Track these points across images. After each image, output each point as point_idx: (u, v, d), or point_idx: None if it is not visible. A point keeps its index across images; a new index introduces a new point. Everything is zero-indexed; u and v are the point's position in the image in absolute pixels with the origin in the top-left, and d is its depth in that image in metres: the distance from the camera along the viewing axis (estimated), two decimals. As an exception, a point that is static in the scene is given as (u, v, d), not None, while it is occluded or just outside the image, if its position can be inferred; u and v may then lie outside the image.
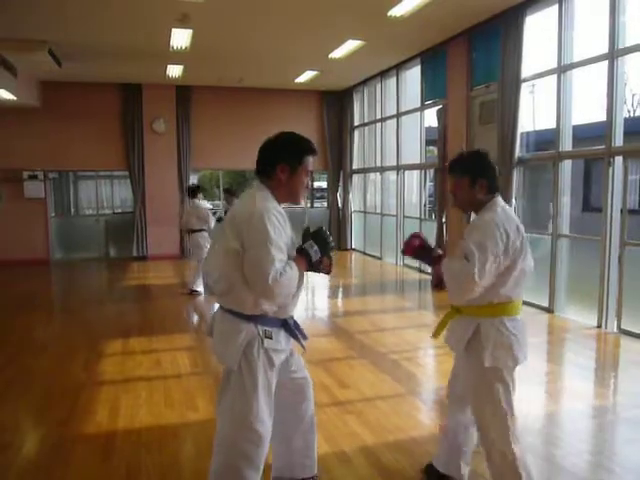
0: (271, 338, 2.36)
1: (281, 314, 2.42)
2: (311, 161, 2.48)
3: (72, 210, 13.59)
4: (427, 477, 2.99)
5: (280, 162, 2.41)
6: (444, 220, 8.87)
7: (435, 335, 2.84)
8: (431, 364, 5.44)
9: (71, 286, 10.08)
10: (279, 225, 2.28)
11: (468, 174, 2.60)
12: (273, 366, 2.38)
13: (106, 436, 3.55)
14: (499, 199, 2.61)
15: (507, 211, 2.58)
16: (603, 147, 6.00)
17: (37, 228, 11.74)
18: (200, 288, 8.10)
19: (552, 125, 6.77)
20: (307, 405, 2.70)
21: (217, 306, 2.50)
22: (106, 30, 7.86)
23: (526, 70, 6.92)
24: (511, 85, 6.97)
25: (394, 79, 10.67)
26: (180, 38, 8.01)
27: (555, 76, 6.62)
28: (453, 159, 2.74)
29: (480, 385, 2.59)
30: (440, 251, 2.76)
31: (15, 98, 9.90)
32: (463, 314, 2.65)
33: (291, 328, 2.49)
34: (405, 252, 2.77)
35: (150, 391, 4.30)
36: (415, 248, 2.72)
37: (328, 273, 2.60)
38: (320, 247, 2.42)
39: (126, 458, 3.27)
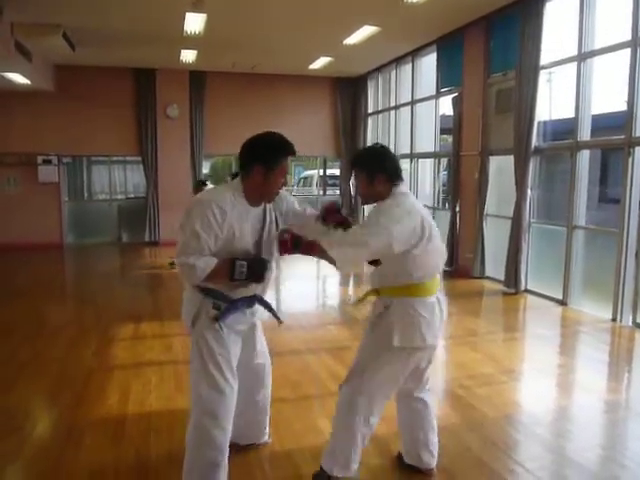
0: (218, 309, 2.57)
1: (233, 294, 2.62)
2: (288, 162, 2.61)
3: (85, 195, 13.63)
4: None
5: (256, 163, 2.53)
6: (457, 209, 8.79)
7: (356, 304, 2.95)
8: (442, 354, 5.38)
9: (84, 270, 10.14)
10: (213, 219, 2.43)
11: (365, 170, 2.67)
12: (221, 335, 2.59)
13: (116, 420, 3.57)
14: (400, 188, 2.65)
15: (407, 196, 2.64)
16: (623, 137, 5.88)
17: (51, 212, 11.80)
18: None
19: (570, 114, 6.66)
20: (264, 393, 3.04)
21: None
22: (120, 14, 7.82)
23: (545, 58, 6.80)
24: (529, 73, 6.85)
25: (409, 66, 10.54)
26: (194, 23, 7.95)
27: (575, 64, 6.49)
28: (353, 155, 2.91)
29: (383, 360, 2.65)
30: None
31: (30, 82, 9.91)
32: (380, 295, 2.75)
33: (250, 306, 2.72)
34: (281, 252, 2.67)
35: (161, 376, 4.31)
36: (290, 245, 2.60)
37: (259, 281, 2.67)
38: (249, 270, 2.52)
39: (136, 442, 3.29)
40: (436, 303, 2.68)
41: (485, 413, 3.70)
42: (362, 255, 2.55)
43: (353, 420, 2.69)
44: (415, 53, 10.17)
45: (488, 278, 8.13)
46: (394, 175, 2.66)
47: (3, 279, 8.90)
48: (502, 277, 7.51)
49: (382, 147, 2.78)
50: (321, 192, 14.88)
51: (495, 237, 8.09)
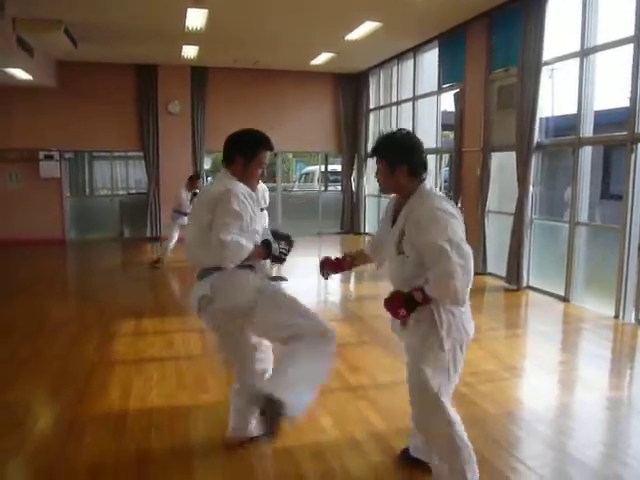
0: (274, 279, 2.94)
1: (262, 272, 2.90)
2: (266, 155, 2.92)
3: (87, 190, 13.65)
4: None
5: (237, 154, 2.88)
6: (459, 205, 8.77)
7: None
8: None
9: (85, 266, 10.15)
10: (244, 201, 2.71)
11: (386, 159, 2.54)
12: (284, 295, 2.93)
13: (118, 416, 3.57)
14: (423, 185, 2.52)
15: (440, 195, 2.56)
16: (626, 133, 5.86)
17: (52, 208, 11.80)
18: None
19: (572, 110, 6.64)
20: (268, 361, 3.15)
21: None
22: (122, 10, 7.80)
23: (547, 54, 6.77)
24: (531, 69, 6.82)
25: (411, 62, 10.51)
26: (195, 18, 7.94)
27: (577, 60, 6.47)
28: (376, 140, 2.64)
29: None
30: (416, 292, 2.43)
31: (32, 78, 9.90)
32: None
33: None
34: (399, 316, 2.49)
35: (162, 372, 4.31)
36: (402, 308, 2.43)
37: (282, 263, 2.96)
38: (283, 249, 2.88)
39: (137, 438, 3.29)
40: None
41: (487, 410, 3.70)
42: (467, 278, 2.35)
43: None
44: (417, 49, 10.14)
45: (490, 274, 8.12)
46: (419, 167, 2.52)
47: (5, 275, 8.90)
48: (504, 273, 7.50)
49: (408, 134, 2.61)
50: (322, 188, 14.88)
51: (497, 233, 8.08)
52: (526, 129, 6.93)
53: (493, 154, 7.99)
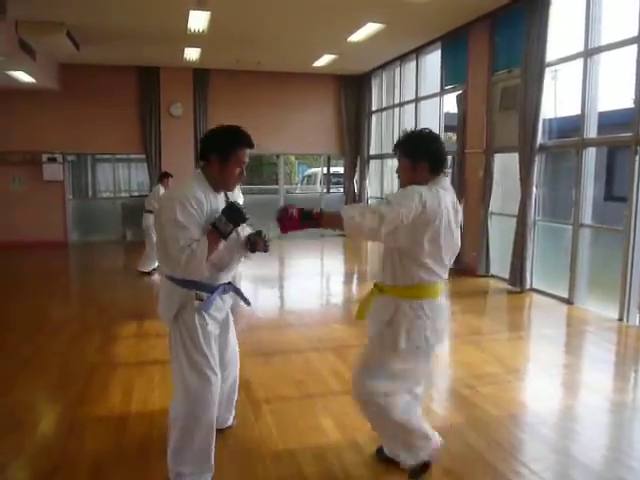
0: (202, 300, 2.69)
1: (214, 281, 2.74)
2: (245, 153, 2.72)
3: (90, 193, 13.66)
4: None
5: (212, 153, 2.68)
6: (462, 207, 8.73)
7: (358, 317, 2.81)
8: (446, 353, 5.36)
9: (88, 268, 10.14)
10: (192, 209, 2.53)
11: (409, 157, 2.59)
12: (206, 323, 2.72)
13: (119, 418, 3.56)
14: (438, 180, 2.57)
15: (440, 191, 2.53)
16: (630, 134, 5.82)
17: (55, 210, 11.82)
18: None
19: (576, 111, 6.61)
20: (231, 371, 3.16)
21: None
22: (124, 12, 7.80)
23: (550, 54, 6.75)
24: (534, 70, 6.79)
25: (413, 63, 10.50)
26: (198, 20, 7.93)
27: (581, 60, 6.44)
28: (399, 139, 2.69)
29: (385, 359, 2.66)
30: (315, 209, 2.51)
31: (34, 81, 9.92)
32: (385, 294, 2.67)
33: (226, 292, 2.85)
34: (287, 229, 2.48)
35: (163, 374, 4.27)
36: (296, 219, 2.47)
37: (265, 251, 2.88)
38: (228, 218, 2.58)
39: (138, 440, 3.28)
40: (443, 304, 2.70)
41: (490, 413, 3.67)
42: (375, 225, 2.38)
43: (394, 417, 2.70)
44: (419, 50, 10.12)
45: (493, 276, 8.09)
46: (438, 165, 2.57)
47: (8, 276, 8.90)
48: (507, 275, 7.47)
49: (430, 132, 2.66)
50: (325, 190, 14.87)
51: (500, 235, 8.05)
52: (529, 130, 6.90)
53: (496, 156, 7.96)
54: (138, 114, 11.89)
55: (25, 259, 10.35)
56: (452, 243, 2.62)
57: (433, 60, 9.92)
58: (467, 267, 8.48)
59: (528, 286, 7.23)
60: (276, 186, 13.05)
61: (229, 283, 2.88)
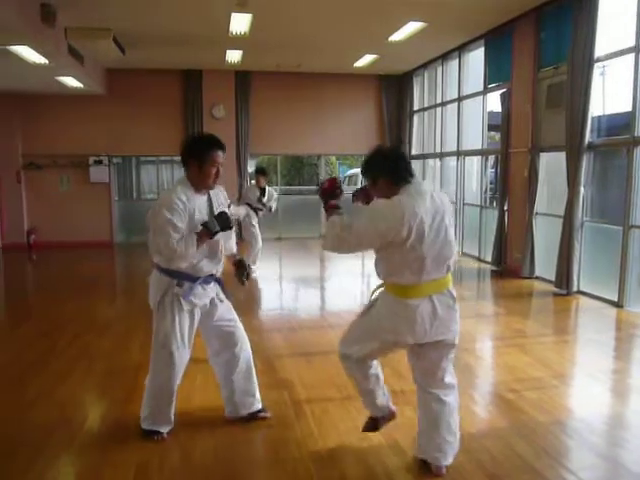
0: (181, 287, 3.14)
1: (195, 272, 3.17)
2: (218, 155, 3.14)
3: (134, 194, 13.96)
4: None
5: (190, 159, 3.13)
6: (506, 208, 8.58)
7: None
8: (489, 356, 5.27)
9: (132, 268, 10.37)
10: (176, 209, 3.01)
11: (370, 176, 2.83)
12: (181, 309, 3.18)
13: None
14: (405, 188, 2.70)
15: (411, 197, 2.65)
16: (683, 132, 5.60)
17: (101, 211, 12.15)
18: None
19: (626, 108, 6.39)
20: (239, 349, 3.42)
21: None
22: (167, 17, 7.95)
23: (599, 49, 6.55)
24: (582, 66, 6.60)
25: (456, 62, 10.36)
26: (239, 23, 8.02)
27: (632, 55, 6.22)
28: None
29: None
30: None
31: (82, 86, 10.22)
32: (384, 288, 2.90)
33: (208, 283, 3.26)
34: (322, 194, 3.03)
35: (206, 375, 4.29)
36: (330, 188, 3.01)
37: (212, 237, 3.16)
38: (218, 222, 3.09)
39: (181, 440, 3.32)
40: (421, 306, 2.71)
41: (535, 418, 3.58)
42: (343, 244, 2.74)
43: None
44: (462, 48, 9.98)
45: (538, 278, 7.90)
46: (396, 178, 2.73)
47: (56, 276, 9.19)
48: (553, 277, 7.28)
49: (383, 150, 2.89)
50: (366, 191, 14.79)
51: (545, 236, 7.86)
52: (577, 128, 6.71)
53: (542, 154, 7.78)
54: (181, 116, 12.10)
55: (72, 259, 10.66)
56: (437, 245, 2.69)
57: (476, 58, 9.77)
58: (511, 269, 8.32)
59: (575, 288, 7.03)
60: (317, 187, 13.02)
61: (211, 275, 3.28)
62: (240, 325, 3.50)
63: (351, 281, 8.72)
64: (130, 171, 13.84)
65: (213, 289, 3.34)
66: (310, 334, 5.42)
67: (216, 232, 3.10)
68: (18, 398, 3.98)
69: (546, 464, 3.03)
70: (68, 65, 8.64)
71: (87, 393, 4.18)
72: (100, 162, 11.92)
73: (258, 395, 3.55)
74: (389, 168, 2.74)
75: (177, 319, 3.19)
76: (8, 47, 7.15)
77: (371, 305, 2.99)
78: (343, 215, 2.83)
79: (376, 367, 3.10)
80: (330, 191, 2.98)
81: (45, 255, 10.89)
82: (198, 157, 3.11)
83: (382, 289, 2.91)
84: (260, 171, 8.83)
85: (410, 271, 2.68)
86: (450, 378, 2.93)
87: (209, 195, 3.26)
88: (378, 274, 2.86)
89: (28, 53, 7.48)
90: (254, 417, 3.51)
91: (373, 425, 3.20)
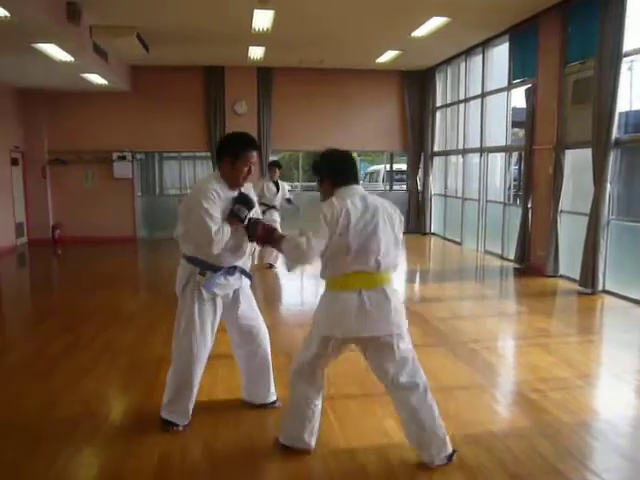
0: (204, 275, 3.22)
1: (219, 262, 3.23)
2: (252, 154, 3.22)
3: (157, 190, 14.09)
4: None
5: (224, 156, 3.22)
6: (530, 205, 8.47)
7: None
8: (512, 355, 5.22)
9: (155, 263, 10.48)
10: (212, 198, 3.10)
11: (317, 174, 2.99)
12: (203, 299, 3.25)
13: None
14: (340, 191, 2.84)
15: (341, 197, 2.80)
16: None
17: (125, 207, 12.30)
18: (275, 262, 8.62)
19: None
20: (257, 346, 3.53)
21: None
22: (190, 14, 8.00)
23: (627, 44, 6.42)
24: (610, 61, 6.48)
25: (480, 57, 10.25)
26: (262, 19, 8.04)
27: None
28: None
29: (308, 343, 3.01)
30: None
31: (107, 83, 10.34)
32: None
33: (231, 274, 3.30)
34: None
35: (228, 369, 4.32)
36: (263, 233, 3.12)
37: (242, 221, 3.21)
38: (243, 204, 3.18)
39: (204, 433, 3.34)
40: (349, 300, 2.78)
41: (559, 419, 3.53)
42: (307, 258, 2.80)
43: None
44: (486, 44, 9.88)
45: (562, 277, 7.80)
46: (337, 179, 2.89)
47: (81, 271, 9.33)
48: (577, 276, 7.18)
49: (335, 151, 2.99)
50: (387, 187, 14.76)
51: (570, 234, 7.75)
52: (604, 124, 6.59)
53: (567, 151, 7.66)
54: (204, 112, 12.17)
55: (96, 254, 10.81)
56: (364, 236, 2.78)
57: (500, 53, 9.66)
58: (534, 267, 8.23)
59: (600, 287, 6.92)
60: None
61: (234, 267, 3.31)
62: (261, 322, 3.56)
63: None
64: (153, 167, 13.98)
65: (237, 281, 3.38)
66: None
67: (245, 216, 3.18)
68: (43, 391, 4.05)
69: (570, 465, 2.99)
70: (93, 62, 8.76)
71: (111, 386, 4.23)
72: (123, 158, 12.06)
73: (273, 389, 3.67)
74: (333, 170, 2.91)
75: (197, 308, 3.25)
76: (35, 45, 7.26)
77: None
78: (287, 236, 2.94)
79: (319, 401, 3.10)
80: (267, 236, 3.10)
81: (69, 250, 11.06)
82: (232, 154, 3.19)
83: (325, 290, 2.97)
84: (276, 164, 8.85)
85: (339, 261, 2.79)
86: (407, 378, 2.90)
87: (240, 192, 3.30)
88: (320, 275, 2.95)
89: (54, 51, 7.59)
90: (265, 406, 3.66)
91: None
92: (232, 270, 3.31)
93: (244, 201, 3.21)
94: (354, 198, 2.82)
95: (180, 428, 3.35)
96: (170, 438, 3.28)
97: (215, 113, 12.08)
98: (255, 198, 3.41)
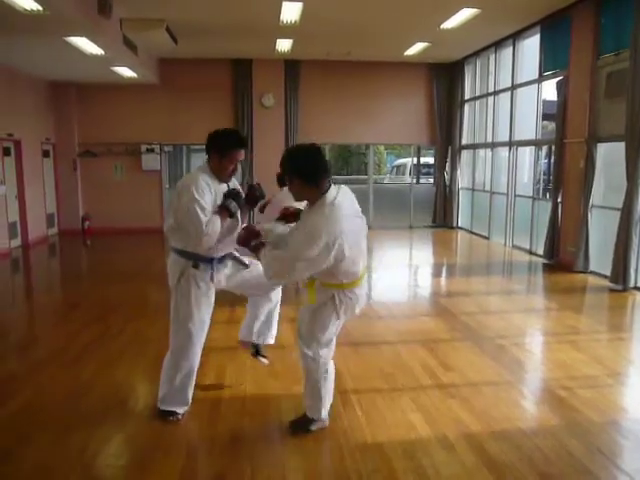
0: (197, 268, 3.30)
1: (210, 254, 3.31)
2: (239, 152, 3.29)
3: (185, 182, 14.20)
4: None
5: (212, 150, 3.29)
6: (559, 200, 8.33)
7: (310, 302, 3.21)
8: (540, 351, 5.15)
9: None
10: (202, 191, 3.16)
11: (285, 171, 2.89)
12: (199, 288, 3.33)
13: (212, 402, 3.68)
14: (327, 197, 2.81)
15: (332, 209, 2.78)
16: None
17: (153, 199, 12.43)
18: None
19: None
20: (267, 295, 3.71)
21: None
22: (219, 6, 8.02)
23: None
24: (645, 52, 6.32)
25: (510, 49, 10.09)
26: (290, 12, 8.02)
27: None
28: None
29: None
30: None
31: (136, 75, 10.44)
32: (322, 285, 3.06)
33: (223, 264, 3.43)
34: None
35: (256, 360, 4.38)
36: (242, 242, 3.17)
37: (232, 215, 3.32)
38: (233, 199, 3.28)
39: (230, 423, 3.38)
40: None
41: (589, 417, 3.47)
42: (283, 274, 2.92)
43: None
44: (517, 35, 9.71)
45: (592, 273, 7.66)
46: (309, 178, 2.81)
47: (110, 261, 9.47)
48: (608, 272, 7.04)
49: (299, 148, 2.97)
50: (414, 181, 14.66)
51: (601, 229, 7.60)
52: (638, 118, 6.44)
53: (599, 145, 7.50)
54: (231, 105, 12.22)
55: (124, 245, 10.97)
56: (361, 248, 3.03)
57: (531, 45, 9.48)
58: (564, 262, 8.11)
59: (632, 284, 6.78)
60: (365, 176, 12.99)
61: (224, 256, 3.42)
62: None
63: (400, 272, 8.66)
64: (181, 159, 14.13)
65: (227, 267, 3.50)
66: (359, 324, 5.38)
67: (235, 211, 3.28)
68: (74, 380, 4.13)
69: (600, 464, 2.95)
70: (123, 55, 8.85)
71: (139, 376, 4.29)
72: (152, 150, 12.19)
73: (274, 332, 3.92)
74: (304, 167, 2.82)
75: (194, 299, 3.34)
76: (67, 39, 7.36)
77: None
78: (267, 250, 2.98)
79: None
80: (247, 242, 3.11)
81: (98, 241, 11.23)
82: (219, 150, 3.27)
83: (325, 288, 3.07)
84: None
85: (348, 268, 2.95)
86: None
87: (230, 187, 3.41)
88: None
89: (85, 44, 7.68)
90: (257, 354, 3.96)
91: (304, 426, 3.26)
92: (223, 259, 3.43)
93: (234, 196, 3.30)
94: (341, 209, 2.83)
95: (180, 416, 3.44)
96: (198, 431, 3.33)
97: (243, 106, 12.12)
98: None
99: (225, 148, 3.27)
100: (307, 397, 3.25)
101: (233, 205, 3.26)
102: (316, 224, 2.77)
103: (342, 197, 2.86)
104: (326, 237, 2.72)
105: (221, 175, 3.32)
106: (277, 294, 3.81)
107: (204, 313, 3.42)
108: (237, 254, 3.56)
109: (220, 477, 2.86)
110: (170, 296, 3.44)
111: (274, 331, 3.93)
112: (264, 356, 4.00)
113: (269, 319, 3.87)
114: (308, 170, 2.82)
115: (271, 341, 3.94)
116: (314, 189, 2.83)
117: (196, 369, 3.48)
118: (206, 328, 3.47)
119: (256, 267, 3.49)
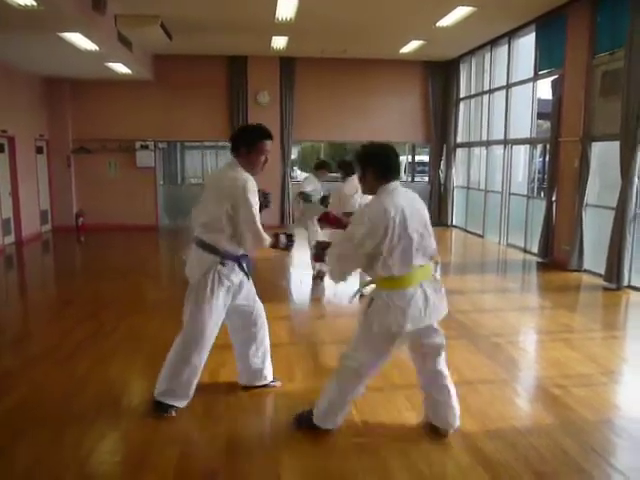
0: (224, 266, 3.33)
1: (236, 252, 3.38)
2: (266, 144, 3.35)
3: (179, 179, 14.17)
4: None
5: (241, 145, 3.32)
6: (554, 198, 8.36)
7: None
8: (535, 350, 5.17)
9: (177, 252, 10.53)
10: (254, 192, 3.26)
11: (359, 165, 3.04)
12: (222, 285, 3.34)
13: (207, 399, 3.65)
14: (387, 186, 2.91)
15: (390, 195, 2.88)
16: None
17: (147, 195, 12.39)
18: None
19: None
20: (258, 329, 3.68)
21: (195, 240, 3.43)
22: (214, 3, 7.98)
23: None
24: (640, 52, 6.34)
25: (505, 48, 10.10)
26: (285, 9, 7.99)
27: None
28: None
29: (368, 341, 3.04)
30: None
31: (130, 72, 10.39)
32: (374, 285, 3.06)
33: (242, 263, 3.44)
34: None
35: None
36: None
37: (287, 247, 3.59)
38: (288, 242, 3.52)
39: (225, 422, 3.37)
40: (417, 293, 2.89)
41: (583, 416, 3.48)
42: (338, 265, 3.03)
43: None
44: (512, 34, 9.72)
45: (586, 271, 7.69)
46: (382, 173, 2.94)
47: (104, 258, 9.44)
48: (602, 271, 7.07)
49: (378, 144, 3.09)
50: (409, 179, 14.67)
51: (595, 228, 7.63)
52: (633, 117, 6.45)
53: (593, 144, 7.53)
54: (226, 102, 12.19)
55: (119, 242, 10.93)
56: (415, 240, 2.91)
57: (527, 44, 9.50)
58: (558, 261, 8.13)
59: (626, 283, 6.82)
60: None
61: (245, 255, 3.46)
62: (260, 305, 3.69)
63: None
64: (175, 156, 14.07)
65: (240, 274, 3.51)
66: (354, 322, 5.39)
67: (281, 247, 3.50)
68: (68, 376, 4.11)
69: (594, 463, 2.96)
70: (117, 52, 8.80)
71: (133, 373, 4.27)
72: (146, 147, 12.15)
73: (270, 370, 3.82)
74: (378, 163, 2.95)
75: (216, 296, 3.35)
76: (61, 34, 7.32)
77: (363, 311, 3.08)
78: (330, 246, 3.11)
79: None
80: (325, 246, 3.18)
81: (92, 237, 11.17)
82: (247, 145, 3.30)
83: (373, 290, 3.05)
84: (324, 165, 8.02)
85: (399, 263, 2.85)
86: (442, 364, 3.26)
87: (288, 234, 3.56)
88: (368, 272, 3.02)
89: (80, 40, 7.64)
90: (266, 386, 3.81)
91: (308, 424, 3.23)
92: (244, 257, 3.45)
93: (289, 236, 3.52)
94: (399, 194, 2.93)
95: (175, 412, 3.42)
96: (192, 427, 3.32)
97: (238, 103, 12.08)
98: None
99: (253, 141, 3.31)
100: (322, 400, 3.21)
101: (284, 243, 3.47)
102: (370, 205, 2.92)
103: (401, 189, 2.98)
104: (375, 217, 2.81)
105: (253, 169, 3.35)
106: (264, 325, 3.75)
107: (222, 311, 3.43)
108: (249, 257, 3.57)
109: (214, 474, 2.86)
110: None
111: (270, 370, 3.84)
112: (274, 380, 3.88)
113: (261, 360, 3.76)
114: (383, 166, 2.95)
115: (270, 378, 3.84)
116: (384, 185, 2.93)
117: (203, 364, 3.47)
118: (220, 326, 3.48)
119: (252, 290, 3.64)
